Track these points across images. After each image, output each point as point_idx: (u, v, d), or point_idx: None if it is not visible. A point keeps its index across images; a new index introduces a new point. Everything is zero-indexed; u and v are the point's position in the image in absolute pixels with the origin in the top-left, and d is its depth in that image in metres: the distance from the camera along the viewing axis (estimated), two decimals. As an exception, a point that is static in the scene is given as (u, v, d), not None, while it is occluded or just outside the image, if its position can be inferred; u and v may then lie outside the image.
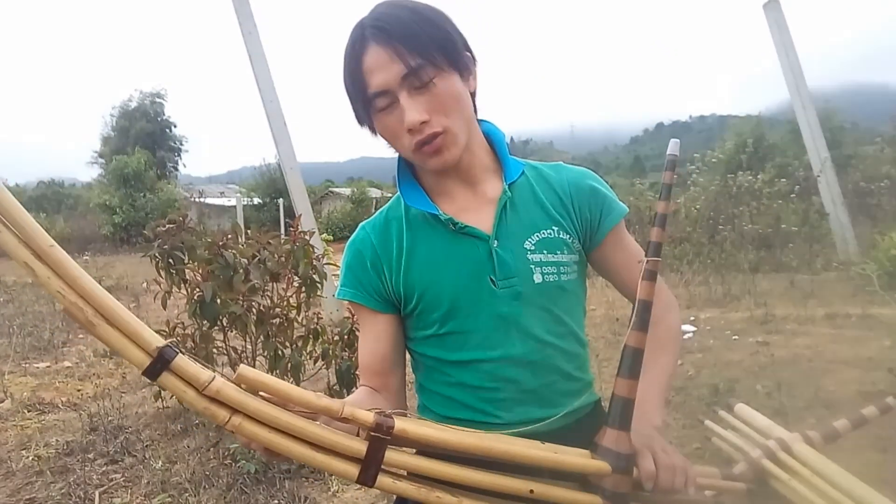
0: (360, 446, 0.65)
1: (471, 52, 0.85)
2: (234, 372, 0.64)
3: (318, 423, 0.66)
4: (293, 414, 0.64)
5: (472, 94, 0.86)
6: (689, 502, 0.81)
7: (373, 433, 0.65)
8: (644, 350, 0.74)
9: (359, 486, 2.32)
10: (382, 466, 0.66)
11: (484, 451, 0.69)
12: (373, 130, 0.86)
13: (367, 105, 0.81)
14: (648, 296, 0.74)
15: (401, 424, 0.66)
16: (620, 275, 0.93)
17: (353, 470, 0.65)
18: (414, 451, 0.75)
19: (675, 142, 0.77)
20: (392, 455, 0.66)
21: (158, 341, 0.61)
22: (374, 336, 0.92)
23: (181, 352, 0.63)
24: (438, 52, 0.79)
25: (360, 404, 0.84)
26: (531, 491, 0.70)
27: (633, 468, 0.73)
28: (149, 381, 0.64)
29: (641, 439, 0.75)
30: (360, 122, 0.86)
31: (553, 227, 0.88)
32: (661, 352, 0.88)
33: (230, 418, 0.62)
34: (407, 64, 0.77)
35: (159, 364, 0.61)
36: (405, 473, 0.69)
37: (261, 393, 0.64)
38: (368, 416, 0.65)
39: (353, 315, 2.71)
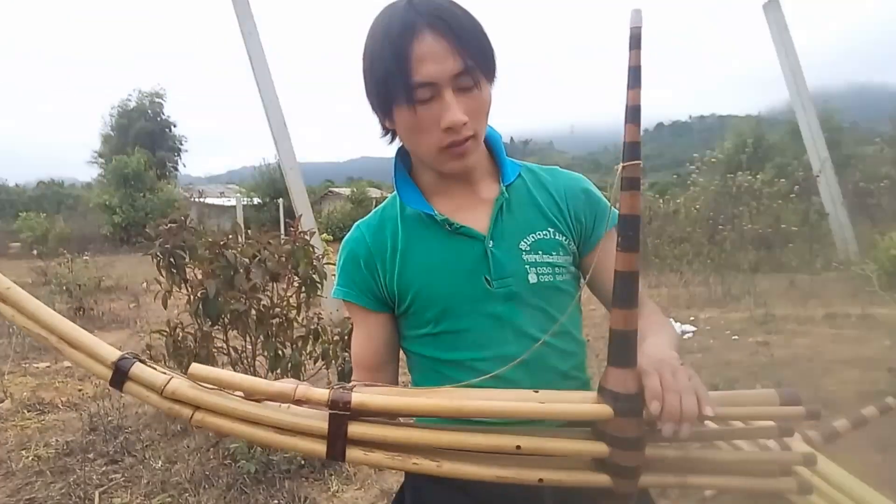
0: (321, 424, 0.64)
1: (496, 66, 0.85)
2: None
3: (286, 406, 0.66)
4: (250, 402, 0.65)
5: None
6: (713, 435, 0.71)
7: (331, 411, 0.64)
8: (638, 273, 0.65)
9: (358, 485, 2.31)
10: (353, 439, 0.65)
11: (454, 412, 0.64)
12: (388, 118, 0.83)
13: (406, 92, 0.76)
14: (633, 210, 0.64)
15: (359, 398, 0.64)
16: (609, 281, 0.91)
17: (321, 447, 0.65)
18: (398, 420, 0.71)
19: (636, 10, 0.63)
20: (358, 428, 0.65)
21: (114, 355, 0.66)
22: (367, 334, 0.92)
23: (140, 360, 0.67)
24: (486, 60, 0.79)
25: None
26: (518, 447, 0.64)
27: (643, 409, 0.63)
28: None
29: (650, 361, 0.67)
30: (378, 105, 0.83)
31: (548, 229, 0.88)
32: (663, 326, 0.85)
33: (193, 414, 0.65)
34: (464, 62, 0.75)
35: (119, 375, 0.65)
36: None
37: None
38: (323, 395, 0.64)
39: (352, 315, 2.71)
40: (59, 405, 3.66)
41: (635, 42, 0.62)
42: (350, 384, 0.67)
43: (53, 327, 0.66)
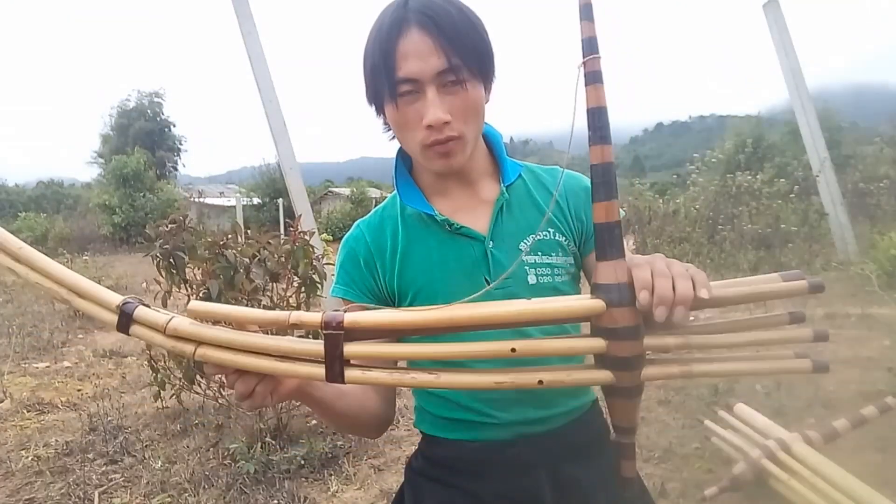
0: (317, 347, 0.65)
1: (495, 66, 0.83)
2: None
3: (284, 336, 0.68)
4: (248, 333, 0.67)
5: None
6: (717, 328, 0.69)
7: (325, 331, 0.65)
8: (612, 162, 0.65)
9: (358, 485, 2.31)
10: (350, 361, 0.66)
11: (446, 321, 0.65)
12: (381, 112, 0.84)
13: (389, 87, 0.78)
14: (598, 101, 0.63)
15: (352, 317, 0.65)
16: None
17: (319, 370, 0.66)
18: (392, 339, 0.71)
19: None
20: (354, 348, 0.66)
21: (118, 299, 0.69)
22: None
23: (143, 303, 0.69)
24: (476, 59, 0.78)
25: (354, 396, 0.86)
26: (512, 350, 0.63)
27: (636, 298, 0.62)
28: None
29: (642, 258, 0.65)
30: (370, 101, 0.84)
31: (548, 229, 0.88)
32: None
33: (195, 350, 0.67)
34: (448, 60, 0.75)
35: (125, 318, 0.68)
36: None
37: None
38: (316, 317, 0.65)
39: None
40: (59, 405, 3.66)
41: (587, 15, 0.64)
42: (342, 308, 0.69)
43: (63, 279, 0.70)
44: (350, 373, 0.66)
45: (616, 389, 0.67)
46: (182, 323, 0.67)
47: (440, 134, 0.78)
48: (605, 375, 0.65)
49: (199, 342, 0.67)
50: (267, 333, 0.69)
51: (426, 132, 0.78)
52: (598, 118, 0.64)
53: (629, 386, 0.66)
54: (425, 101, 0.76)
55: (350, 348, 0.65)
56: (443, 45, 0.75)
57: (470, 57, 0.77)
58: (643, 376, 0.66)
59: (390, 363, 0.71)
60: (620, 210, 0.67)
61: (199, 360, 0.68)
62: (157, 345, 0.69)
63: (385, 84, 0.78)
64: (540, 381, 0.65)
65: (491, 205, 0.87)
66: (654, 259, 0.65)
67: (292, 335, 0.73)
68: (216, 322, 0.68)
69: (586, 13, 0.64)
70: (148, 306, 0.69)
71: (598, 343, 0.64)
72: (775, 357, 0.69)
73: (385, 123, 0.87)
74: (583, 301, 0.65)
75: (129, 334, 0.68)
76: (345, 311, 0.66)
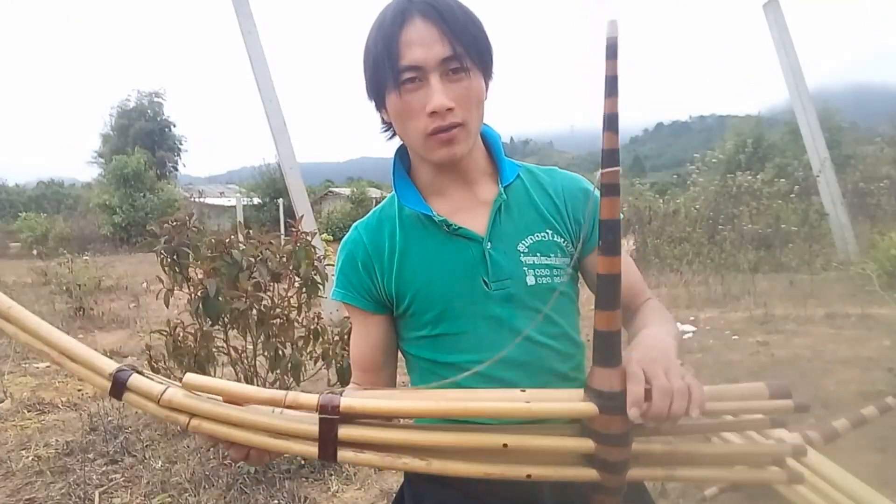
0: (311, 428, 0.66)
1: (493, 63, 0.85)
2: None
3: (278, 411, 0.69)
4: (243, 408, 0.68)
5: None
6: (703, 429, 0.72)
7: (321, 415, 0.66)
8: (620, 276, 0.66)
9: (358, 486, 2.31)
10: (343, 441, 0.66)
11: (441, 413, 0.66)
12: (381, 106, 0.84)
13: (393, 76, 0.78)
14: (612, 215, 0.64)
15: (347, 402, 0.66)
16: None
17: (312, 449, 0.67)
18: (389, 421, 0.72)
19: (612, 21, 0.63)
20: (348, 431, 0.66)
21: (112, 366, 0.69)
22: (366, 335, 0.93)
23: (137, 371, 0.70)
24: (477, 51, 0.79)
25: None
26: (504, 445, 0.65)
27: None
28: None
29: (640, 358, 0.66)
30: (371, 95, 0.84)
31: (547, 230, 0.88)
32: (666, 321, 0.85)
33: (189, 421, 0.68)
34: (452, 47, 0.76)
35: (117, 386, 0.68)
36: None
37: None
38: (312, 400, 0.66)
39: (352, 315, 2.72)
40: (59, 405, 3.66)
41: (612, 52, 0.62)
42: (339, 389, 0.71)
43: (54, 342, 0.69)
44: (343, 453, 0.67)
45: (600, 487, 0.69)
46: (176, 394, 0.68)
47: (443, 121, 0.78)
48: (591, 474, 0.68)
49: (194, 414, 0.68)
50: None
51: (429, 119, 0.78)
52: (609, 230, 0.65)
53: (613, 486, 0.68)
54: (429, 88, 0.77)
55: (345, 431, 0.66)
56: (446, 32, 0.76)
57: (472, 47, 0.78)
58: (627, 477, 0.68)
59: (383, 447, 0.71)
60: (621, 213, 0.67)
61: (192, 431, 0.69)
62: (150, 413, 0.70)
63: (389, 73, 0.78)
64: (528, 475, 0.67)
65: (489, 205, 0.87)
66: (654, 367, 0.65)
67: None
68: (212, 395, 0.68)
69: (612, 52, 0.62)
70: (142, 373, 0.69)
71: (587, 444, 0.66)
72: (754, 467, 0.72)
73: (384, 122, 0.88)
74: (577, 404, 0.66)
75: (121, 401, 0.69)
76: (340, 394, 0.67)
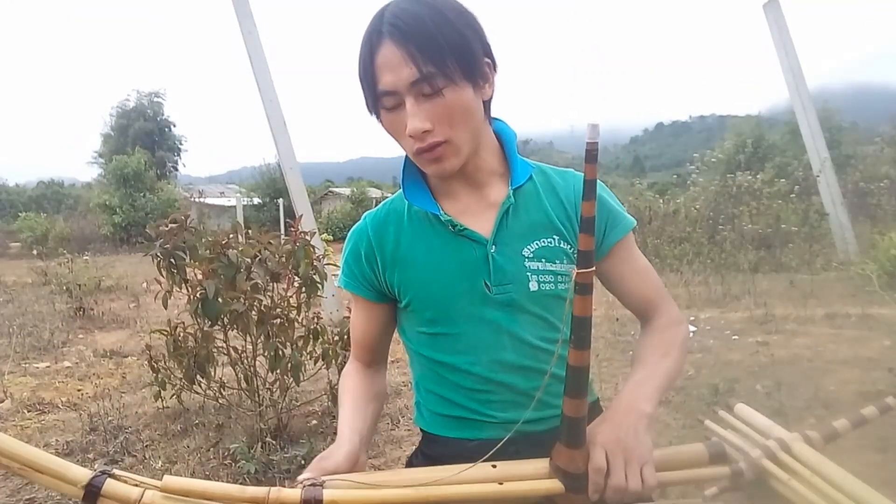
0: None
1: (492, 58, 0.81)
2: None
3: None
4: None
5: (488, 101, 0.83)
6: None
7: None
8: (588, 367, 0.72)
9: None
10: None
11: (422, 500, 0.70)
12: (379, 119, 0.85)
13: (373, 101, 0.80)
14: (582, 312, 0.68)
15: (330, 496, 0.68)
16: (624, 289, 0.92)
17: None
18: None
19: (593, 126, 0.63)
20: None
21: (87, 475, 0.66)
22: (366, 319, 0.95)
23: (111, 475, 0.67)
24: (454, 61, 0.75)
25: (355, 387, 0.91)
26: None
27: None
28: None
29: (602, 445, 0.72)
30: (370, 111, 0.85)
31: (553, 236, 0.86)
32: (665, 356, 0.86)
33: None
34: (419, 70, 0.74)
35: (91, 495, 0.66)
36: None
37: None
38: (295, 495, 0.68)
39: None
40: (59, 405, 3.66)
41: (591, 157, 0.63)
42: (320, 479, 0.71)
43: (15, 454, 0.68)
44: None
45: None
46: (154, 497, 0.66)
47: (423, 142, 0.78)
48: None
49: None
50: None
51: (410, 141, 0.79)
52: (581, 326, 0.69)
53: None
54: (405, 111, 0.77)
55: None
56: (412, 54, 0.73)
57: (444, 61, 0.74)
58: None
59: None
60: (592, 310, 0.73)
61: None
62: None
63: (370, 97, 0.80)
64: None
65: (497, 208, 0.86)
66: (615, 460, 0.71)
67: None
68: (192, 497, 0.67)
69: (591, 157, 0.63)
70: (115, 477, 0.67)
71: None
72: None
73: None
74: (545, 483, 0.72)
75: None
76: (322, 485, 0.69)
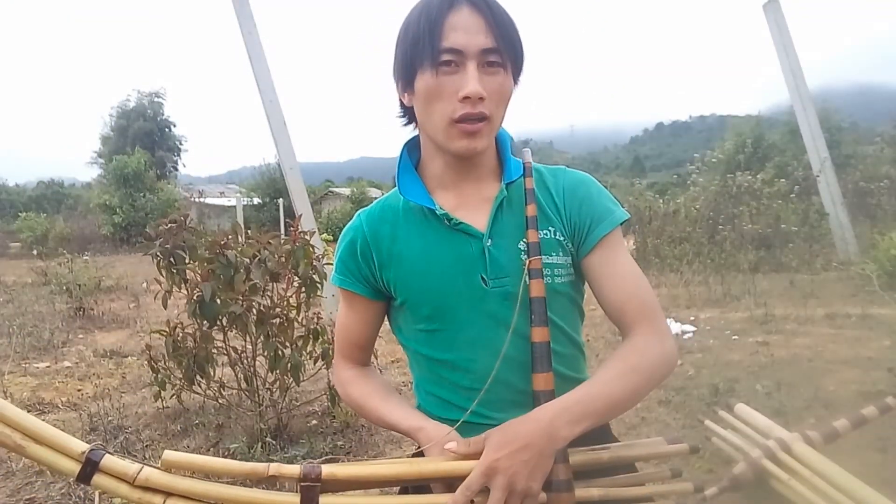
0: (293, 499, 0.69)
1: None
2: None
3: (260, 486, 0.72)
4: (221, 484, 0.69)
5: None
6: (609, 483, 0.81)
7: (302, 483, 0.68)
8: (549, 342, 0.79)
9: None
10: None
11: (415, 475, 0.73)
12: (408, 86, 0.83)
13: (432, 55, 0.78)
14: (538, 293, 0.80)
15: (329, 470, 0.69)
16: (601, 294, 0.87)
17: None
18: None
19: (526, 150, 0.87)
20: (330, 500, 0.70)
21: (84, 447, 0.66)
22: (360, 317, 0.95)
23: (107, 451, 0.68)
24: (514, 50, 0.82)
25: (377, 386, 0.93)
26: (472, 502, 0.70)
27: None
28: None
29: (491, 465, 0.69)
30: (401, 74, 0.84)
31: (549, 228, 0.87)
32: (616, 379, 0.79)
33: (165, 501, 0.67)
34: (495, 40, 0.78)
35: (89, 467, 0.66)
36: None
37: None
38: (294, 470, 0.69)
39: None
40: (59, 405, 3.66)
41: (528, 171, 0.86)
42: (319, 459, 0.73)
43: (17, 423, 0.66)
44: None
45: None
46: (153, 474, 0.67)
47: (473, 108, 0.79)
48: None
49: (169, 493, 0.67)
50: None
51: (459, 105, 0.79)
52: (538, 305, 0.80)
53: None
54: (465, 74, 0.78)
55: (326, 500, 0.69)
56: (491, 25, 0.78)
57: (511, 46, 0.81)
58: None
59: None
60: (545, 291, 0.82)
61: None
62: (121, 496, 0.67)
63: (428, 51, 0.79)
64: None
65: (491, 202, 0.87)
66: (494, 484, 0.69)
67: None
68: (191, 473, 0.68)
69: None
70: (112, 454, 0.67)
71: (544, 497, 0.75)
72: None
73: (403, 107, 0.88)
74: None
75: (89, 485, 0.66)
76: (321, 462, 0.71)
